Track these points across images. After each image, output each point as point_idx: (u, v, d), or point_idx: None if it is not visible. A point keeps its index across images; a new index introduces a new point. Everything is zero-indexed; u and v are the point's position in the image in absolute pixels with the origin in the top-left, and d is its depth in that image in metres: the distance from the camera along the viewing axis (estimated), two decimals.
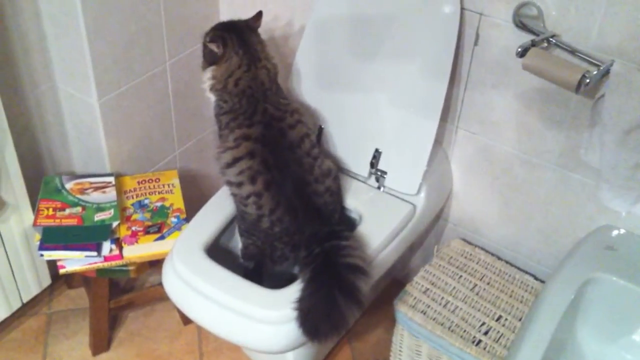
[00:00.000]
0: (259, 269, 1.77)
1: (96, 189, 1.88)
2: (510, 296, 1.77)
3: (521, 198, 1.81)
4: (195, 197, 2.02)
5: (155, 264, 1.87)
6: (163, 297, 1.83)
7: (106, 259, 1.79)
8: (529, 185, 1.77)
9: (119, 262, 1.80)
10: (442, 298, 1.74)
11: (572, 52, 1.48)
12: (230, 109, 1.69)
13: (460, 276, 1.81)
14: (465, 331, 1.66)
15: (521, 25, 1.54)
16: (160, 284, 1.70)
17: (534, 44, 1.47)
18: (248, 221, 1.69)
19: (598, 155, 1.50)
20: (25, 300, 1.98)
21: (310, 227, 1.65)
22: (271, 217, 1.64)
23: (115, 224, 1.80)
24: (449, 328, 1.66)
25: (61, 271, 1.79)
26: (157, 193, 1.94)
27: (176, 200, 1.93)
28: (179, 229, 1.84)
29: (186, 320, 2.12)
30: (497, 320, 1.70)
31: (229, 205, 1.76)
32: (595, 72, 1.39)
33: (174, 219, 1.87)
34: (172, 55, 1.98)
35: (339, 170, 1.82)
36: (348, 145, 1.87)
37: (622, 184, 1.48)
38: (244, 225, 1.74)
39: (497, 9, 1.58)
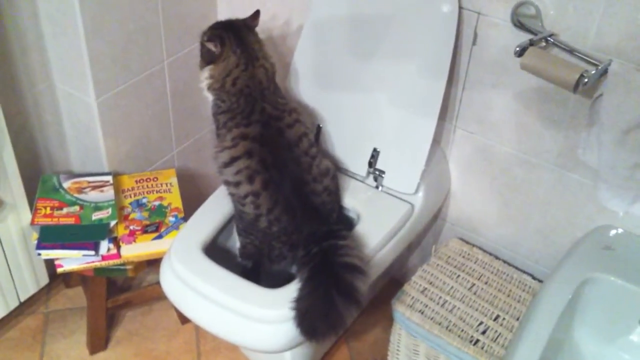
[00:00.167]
0: (257, 268, 1.77)
1: (94, 188, 1.88)
2: (508, 296, 1.77)
3: (519, 198, 1.81)
4: (193, 196, 2.02)
5: (153, 263, 1.87)
6: (161, 297, 1.83)
7: (104, 258, 1.79)
8: (527, 185, 1.77)
9: (116, 261, 1.80)
10: (440, 297, 1.74)
11: (570, 51, 1.48)
12: (228, 108, 1.69)
13: (458, 276, 1.81)
14: (463, 331, 1.66)
15: (519, 24, 1.54)
16: (158, 283, 1.69)
17: (532, 43, 1.47)
18: (246, 220, 1.69)
19: (596, 155, 1.50)
20: (22, 299, 1.98)
21: (308, 227, 1.65)
22: (269, 216, 1.64)
23: (113, 223, 1.79)
24: (447, 327, 1.66)
25: (59, 270, 1.79)
26: (155, 192, 1.94)
27: (174, 199, 1.93)
28: (177, 228, 1.84)
29: (184, 320, 2.12)
30: (495, 319, 1.70)
31: (227, 205, 1.76)
32: (593, 72, 1.39)
33: (171, 218, 1.87)
34: (170, 54, 1.98)
35: (337, 170, 1.82)
36: (346, 144, 1.87)
37: (620, 183, 1.48)
38: (241, 225, 1.74)
39: (495, 8, 1.58)
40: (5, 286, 1.90)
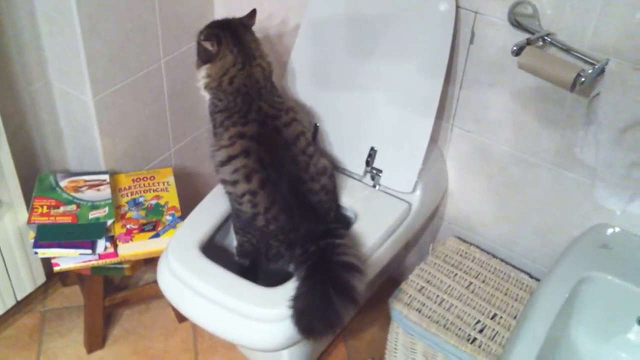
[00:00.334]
0: (254, 267, 1.77)
1: (91, 186, 1.88)
2: (506, 294, 1.77)
3: (517, 196, 1.81)
4: (190, 195, 2.02)
5: (150, 262, 1.87)
6: (158, 295, 1.83)
7: (101, 256, 1.78)
8: (525, 183, 1.77)
9: (113, 260, 1.79)
10: (438, 296, 1.74)
11: (568, 50, 1.48)
12: (225, 107, 1.69)
13: (456, 274, 1.81)
14: (460, 329, 1.66)
15: (516, 23, 1.54)
16: (155, 282, 1.69)
17: (529, 42, 1.48)
18: (243, 219, 1.69)
19: (593, 153, 1.50)
20: (19, 298, 1.98)
21: (306, 225, 1.65)
22: (266, 215, 1.64)
23: (109, 221, 1.79)
24: (444, 326, 1.66)
25: (55, 269, 1.79)
26: (152, 191, 1.94)
27: (171, 198, 1.93)
28: (174, 226, 1.83)
29: (181, 318, 2.12)
30: (492, 318, 1.70)
31: (224, 203, 1.76)
32: (590, 71, 1.39)
33: (168, 217, 1.87)
34: (167, 53, 1.98)
35: (334, 169, 1.82)
36: (343, 143, 1.87)
37: (618, 182, 1.48)
38: (239, 223, 1.74)
39: (493, 8, 1.58)
40: (2, 285, 1.89)
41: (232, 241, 1.85)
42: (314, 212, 1.68)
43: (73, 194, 1.85)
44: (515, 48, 1.47)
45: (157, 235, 1.81)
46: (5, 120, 1.71)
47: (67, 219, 1.77)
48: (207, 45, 1.69)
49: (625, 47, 1.43)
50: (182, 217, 1.83)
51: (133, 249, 1.80)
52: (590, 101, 1.48)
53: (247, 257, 1.78)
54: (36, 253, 1.76)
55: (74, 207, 1.81)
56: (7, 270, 1.88)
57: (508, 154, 1.76)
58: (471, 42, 1.66)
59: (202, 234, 1.71)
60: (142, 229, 1.82)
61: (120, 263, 1.83)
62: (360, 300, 1.57)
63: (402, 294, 1.75)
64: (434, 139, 1.84)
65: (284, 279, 1.60)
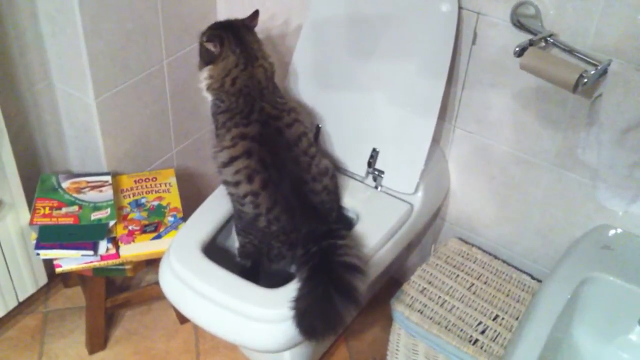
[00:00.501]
0: (256, 267, 1.77)
1: (93, 187, 1.88)
2: (507, 295, 1.77)
3: (518, 197, 1.81)
4: (192, 196, 2.02)
5: (152, 263, 1.86)
6: (160, 296, 1.83)
7: (103, 258, 1.78)
8: (526, 184, 1.77)
9: (115, 261, 1.79)
10: (439, 297, 1.74)
11: (570, 51, 1.48)
12: (227, 108, 1.69)
13: (457, 275, 1.81)
14: (462, 330, 1.66)
15: (519, 24, 1.54)
16: (157, 283, 1.69)
17: (531, 43, 1.47)
18: (245, 220, 1.69)
19: (595, 154, 1.50)
20: (21, 299, 1.98)
21: (307, 226, 1.65)
22: (268, 216, 1.64)
23: (111, 223, 1.79)
24: (446, 327, 1.66)
25: (57, 270, 1.79)
26: (154, 192, 1.94)
27: (173, 199, 1.93)
28: (176, 228, 1.83)
29: (183, 319, 2.12)
30: (494, 319, 1.70)
31: (226, 204, 1.76)
32: (592, 72, 1.39)
33: (170, 218, 1.87)
34: (170, 54, 1.98)
35: (336, 169, 1.82)
36: (345, 144, 1.87)
37: (619, 183, 1.48)
38: (240, 224, 1.74)
39: (495, 8, 1.58)
40: (4, 286, 1.90)
41: (234, 242, 1.85)
42: (316, 212, 1.68)
43: (75, 195, 1.85)
44: (517, 49, 1.47)
45: (159, 237, 1.81)
46: (7, 121, 1.71)
47: (69, 220, 1.77)
48: (210, 46, 1.69)
49: (628, 48, 1.43)
50: (184, 218, 1.83)
51: (135, 250, 1.80)
52: (592, 102, 1.48)
53: (249, 258, 1.78)
54: (38, 254, 1.76)
55: (76, 208, 1.81)
56: (9, 271, 1.88)
57: (510, 155, 1.76)
58: (473, 42, 1.66)
59: (204, 235, 1.71)
60: (144, 230, 1.82)
61: (122, 264, 1.83)
62: (361, 301, 1.57)
63: (404, 295, 1.74)
64: (436, 140, 1.84)
65: (285, 280, 1.60)
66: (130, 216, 1.86)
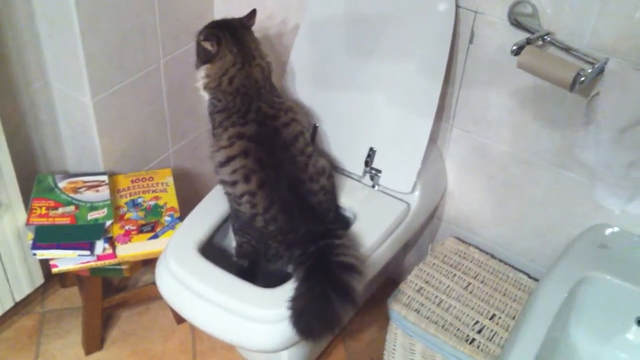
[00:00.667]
0: (253, 267, 1.77)
1: (89, 187, 1.87)
2: (504, 295, 1.77)
3: (516, 197, 1.81)
4: (189, 196, 2.02)
5: (149, 263, 1.86)
6: (156, 296, 1.82)
7: (99, 258, 1.78)
8: (524, 183, 1.77)
9: (112, 261, 1.79)
10: (436, 297, 1.74)
11: (567, 50, 1.48)
12: (224, 107, 1.69)
13: (454, 275, 1.81)
14: (459, 330, 1.66)
15: (516, 23, 1.54)
16: (154, 283, 1.69)
17: (529, 42, 1.47)
18: (242, 220, 1.69)
19: (593, 153, 1.50)
20: (17, 299, 1.98)
21: (305, 226, 1.65)
22: (265, 215, 1.63)
23: (108, 222, 1.79)
24: (443, 326, 1.66)
25: (54, 270, 1.78)
26: (150, 192, 1.94)
27: (170, 199, 1.92)
28: (173, 227, 1.83)
29: (180, 320, 2.11)
30: (491, 318, 1.70)
31: (223, 204, 1.76)
32: (590, 70, 1.39)
33: (167, 218, 1.86)
34: (166, 53, 1.98)
35: (333, 169, 1.81)
36: (343, 143, 1.87)
37: (617, 182, 1.48)
38: (238, 224, 1.74)
39: (492, 7, 1.58)
40: (0, 286, 1.89)
41: (231, 242, 1.85)
42: (313, 212, 1.68)
43: (72, 195, 1.84)
44: (514, 47, 1.47)
45: (155, 236, 1.81)
46: (4, 120, 1.71)
47: (66, 220, 1.77)
48: (207, 45, 1.69)
49: (624, 47, 1.43)
50: (181, 218, 1.83)
51: (132, 250, 1.79)
52: (589, 101, 1.48)
53: (247, 258, 1.77)
54: (35, 254, 1.76)
55: (72, 208, 1.80)
56: (5, 271, 1.88)
57: (507, 154, 1.76)
58: (471, 41, 1.66)
59: (201, 235, 1.71)
60: (140, 230, 1.82)
61: (119, 264, 1.83)
62: (359, 301, 1.57)
63: (401, 294, 1.74)
64: (433, 139, 1.84)
65: (283, 280, 1.60)
66: (127, 216, 1.86)
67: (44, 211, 1.78)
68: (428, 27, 1.66)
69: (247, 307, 1.54)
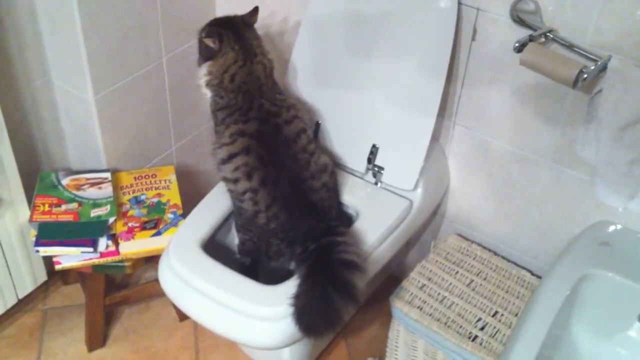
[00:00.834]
0: (255, 265, 1.77)
1: (92, 184, 1.87)
2: (507, 292, 1.77)
3: (517, 194, 1.81)
4: (192, 193, 2.02)
5: (152, 260, 1.86)
6: (159, 294, 1.83)
7: (102, 255, 1.78)
8: (526, 181, 1.77)
9: (115, 258, 1.79)
10: (439, 294, 1.74)
11: (570, 47, 1.48)
12: (226, 104, 1.69)
13: (457, 272, 1.81)
14: (461, 327, 1.66)
15: (519, 20, 1.54)
16: (156, 280, 1.69)
17: (531, 39, 1.47)
18: (244, 217, 1.69)
19: (594, 151, 1.50)
20: (20, 297, 1.98)
21: (307, 223, 1.65)
22: (267, 213, 1.64)
23: (111, 219, 1.79)
24: (445, 324, 1.66)
25: (57, 267, 1.79)
26: (153, 189, 1.94)
27: (173, 196, 1.93)
28: (176, 224, 1.83)
29: (182, 317, 2.12)
30: (493, 315, 1.70)
31: (226, 201, 1.76)
32: (592, 68, 1.38)
33: (170, 215, 1.86)
34: (168, 50, 1.98)
35: (335, 166, 1.81)
36: (345, 141, 1.87)
37: (618, 180, 1.48)
38: (240, 221, 1.74)
39: (495, 4, 1.58)
40: (3, 283, 1.89)
41: (234, 239, 1.85)
42: (315, 209, 1.68)
43: (75, 192, 1.84)
44: (517, 45, 1.46)
45: (158, 234, 1.81)
46: (6, 118, 1.71)
47: (69, 217, 1.77)
48: (209, 42, 1.68)
49: (627, 44, 1.43)
50: (184, 215, 1.83)
51: (134, 247, 1.80)
52: (591, 98, 1.48)
53: (249, 255, 1.78)
54: (37, 251, 1.76)
55: (75, 205, 1.81)
56: (8, 268, 1.88)
57: (509, 152, 1.75)
58: (473, 39, 1.66)
59: (203, 232, 1.71)
60: (143, 227, 1.82)
61: (122, 261, 1.83)
62: (360, 298, 1.57)
63: (403, 291, 1.74)
64: (435, 137, 1.84)
65: (285, 277, 1.60)
66: (129, 213, 1.86)
67: (46, 208, 1.79)
68: (430, 25, 1.65)
69: (249, 304, 1.54)
